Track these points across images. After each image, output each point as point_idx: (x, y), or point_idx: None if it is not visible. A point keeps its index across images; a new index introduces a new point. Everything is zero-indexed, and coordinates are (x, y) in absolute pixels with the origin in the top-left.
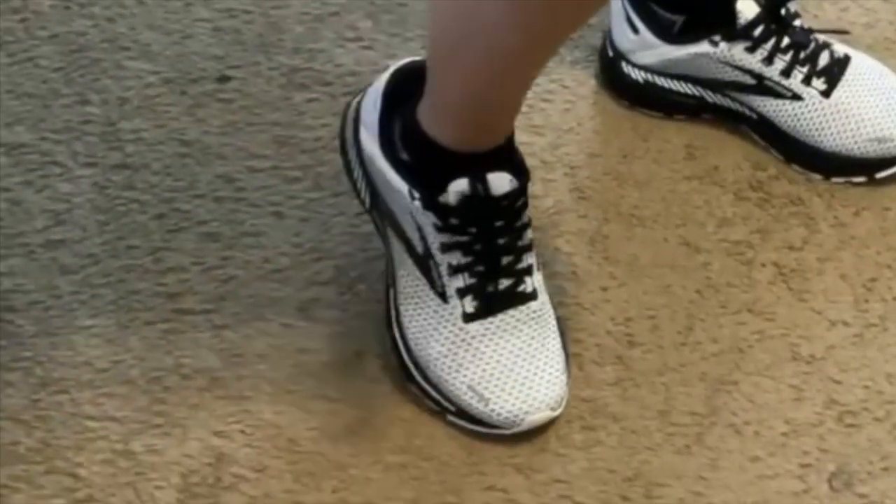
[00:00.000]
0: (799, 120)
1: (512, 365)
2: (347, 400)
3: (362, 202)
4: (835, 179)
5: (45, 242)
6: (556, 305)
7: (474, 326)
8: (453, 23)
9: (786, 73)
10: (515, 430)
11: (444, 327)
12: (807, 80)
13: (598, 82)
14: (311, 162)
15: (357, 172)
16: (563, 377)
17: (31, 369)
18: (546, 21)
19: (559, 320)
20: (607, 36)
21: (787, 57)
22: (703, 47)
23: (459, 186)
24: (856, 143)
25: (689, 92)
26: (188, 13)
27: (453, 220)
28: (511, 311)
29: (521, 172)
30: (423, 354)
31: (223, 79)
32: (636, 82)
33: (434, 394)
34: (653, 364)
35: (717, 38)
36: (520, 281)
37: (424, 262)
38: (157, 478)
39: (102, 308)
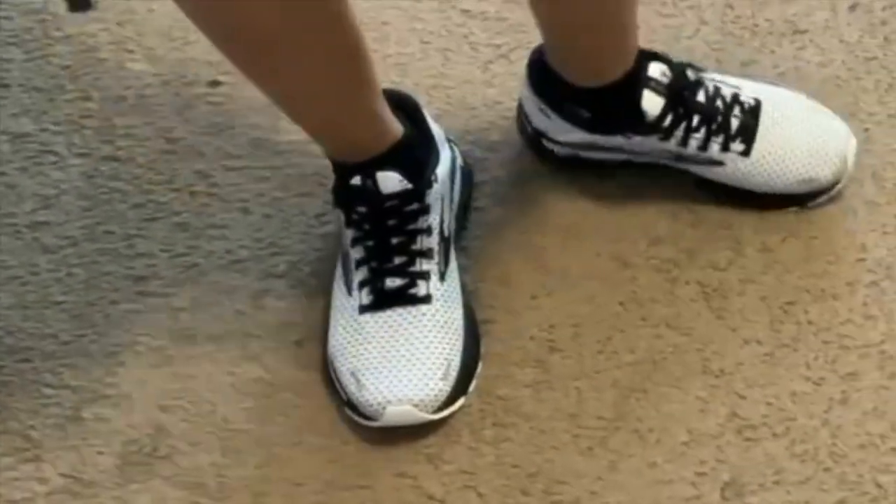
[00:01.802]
0: (726, 178)
1: (390, 357)
2: (282, 385)
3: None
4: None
5: (31, 223)
6: (486, 308)
7: (365, 318)
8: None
9: (703, 147)
10: (380, 422)
11: (344, 317)
12: (724, 147)
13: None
14: (281, 163)
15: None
16: (440, 383)
17: (1, 338)
18: None
19: (475, 322)
20: (522, 112)
21: (700, 134)
22: (618, 140)
23: (353, 181)
24: (784, 185)
25: (615, 159)
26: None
27: (354, 216)
28: (400, 309)
29: (420, 178)
30: (331, 342)
31: (214, 83)
32: (559, 156)
33: (335, 380)
34: (570, 369)
35: (629, 133)
36: (412, 283)
37: (345, 257)
38: (100, 444)
39: (74, 286)
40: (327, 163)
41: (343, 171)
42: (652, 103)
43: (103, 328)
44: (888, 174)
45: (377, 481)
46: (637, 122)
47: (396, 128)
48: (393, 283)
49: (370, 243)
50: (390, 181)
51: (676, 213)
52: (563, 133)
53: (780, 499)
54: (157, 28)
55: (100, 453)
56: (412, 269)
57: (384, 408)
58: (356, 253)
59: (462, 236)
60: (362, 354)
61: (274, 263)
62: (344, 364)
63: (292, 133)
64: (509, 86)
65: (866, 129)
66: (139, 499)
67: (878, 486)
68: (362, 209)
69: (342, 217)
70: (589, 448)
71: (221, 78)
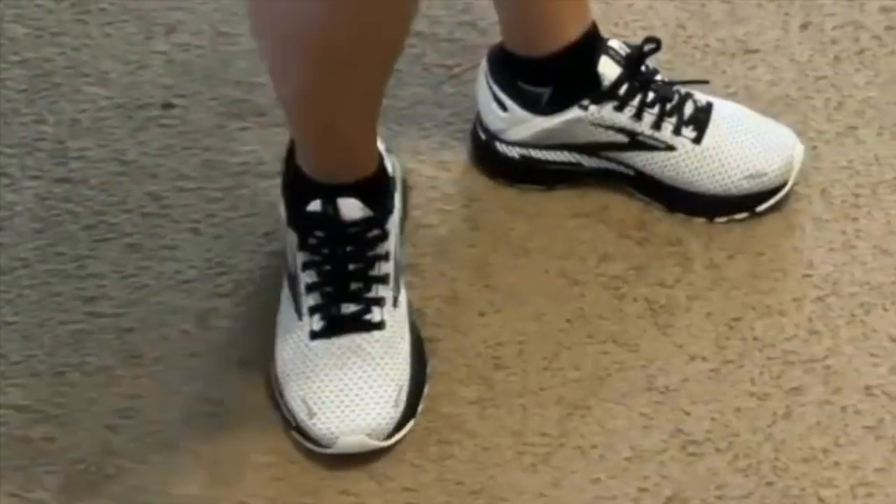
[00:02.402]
0: (675, 169)
1: (343, 386)
2: (228, 403)
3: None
4: (718, 220)
5: None
6: (433, 326)
7: (317, 344)
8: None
9: (656, 125)
10: (332, 450)
11: (293, 341)
12: (677, 131)
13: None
14: (232, 184)
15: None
16: (391, 411)
17: None
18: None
19: (422, 344)
20: (477, 120)
21: (655, 110)
22: (574, 113)
23: (313, 206)
24: (732, 182)
25: (566, 160)
26: (147, 45)
27: (311, 240)
28: (353, 336)
29: (380, 205)
30: (278, 366)
31: (167, 106)
32: (512, 159)
33: (282, 405)
34: (514, 386)
35: (585, 102)
36: (367, 309)
37: (292, 280)
38: (47, 463)
39: (25, 307)
40: (276, 183)
41: (302, 193)
42: (609, 68)
43: (52, 348)
44: (836, 191)
45: (321, 499)
46: (594, 88)
47: (378, 155)
48: (347, 309)
49: (326, 268)
50: (352, 208)
51: (625, 231)
52: (518, 126)
53: None
54: (113, 52)
55: (47, 472)
56: (368, 294)
57: (337, 438)
58: (307, 277)
59: (410, 254)
60: (314, 382)
61: (220, 283)
62: (294, 390)
63: (243, 155)
64: (462, 106)
65: (815, 147)
66: None
67: (820, 499)
68: (320, 234)
69: (294, 240)
70: (532, 465)
71: (175, 100)
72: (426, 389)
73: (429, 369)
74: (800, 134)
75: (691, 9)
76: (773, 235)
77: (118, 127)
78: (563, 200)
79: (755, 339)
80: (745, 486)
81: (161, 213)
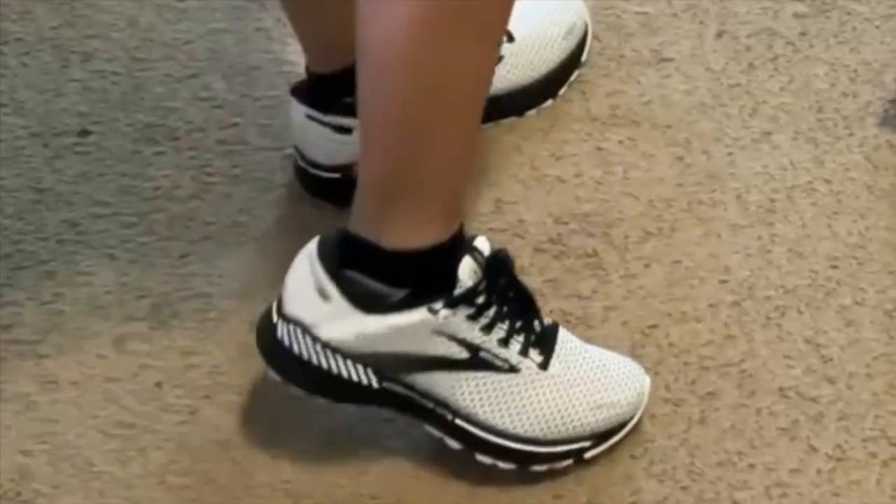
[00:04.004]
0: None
1: (599, 365)
2: (143, 426)
3: (366, 390)
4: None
5: None
6: None
7: (553, 367)
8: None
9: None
10: (640, 410)
11: (534, 389)
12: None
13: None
14: (148, 209)
15: (342, 368)
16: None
17: None
18: None
19: None
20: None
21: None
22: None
23: (466, 267)
24: (577, 414)
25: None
26: (63, 74)
27: (479, 300)
28: (559, 336)
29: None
30: (533, 430)
31: (84, 133)
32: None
33: (563, 450)
34: None
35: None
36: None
37: (476, 359)
38: None
39: None
40: (194, 205)
41: (438, 275)
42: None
43: None
44: (752, 197)
45: None
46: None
47: None
48: (537, 323)
49: (505, 309)
50: (485, 242)
51: (539, 244)
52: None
53: None
54: (29, 81)
55: None
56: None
57: (641, 391)
58: (497, 334)
59: None
60: (585, 387)
61: (137, 307)
62: (579, 412)
63: (158, 179)
64: None
65: (730, 154)
66: None
67: (735, 502)
68: (484, 285)
69: (457, 324)
70: (448, 477)
71: (91, 127)
72: None
73: None
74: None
75: (607, 20)
76: (690, 243)
77: (34, 155)
78: (479, 216)
79: (671, 345)
80: (660, 491)
81: (77, 240)
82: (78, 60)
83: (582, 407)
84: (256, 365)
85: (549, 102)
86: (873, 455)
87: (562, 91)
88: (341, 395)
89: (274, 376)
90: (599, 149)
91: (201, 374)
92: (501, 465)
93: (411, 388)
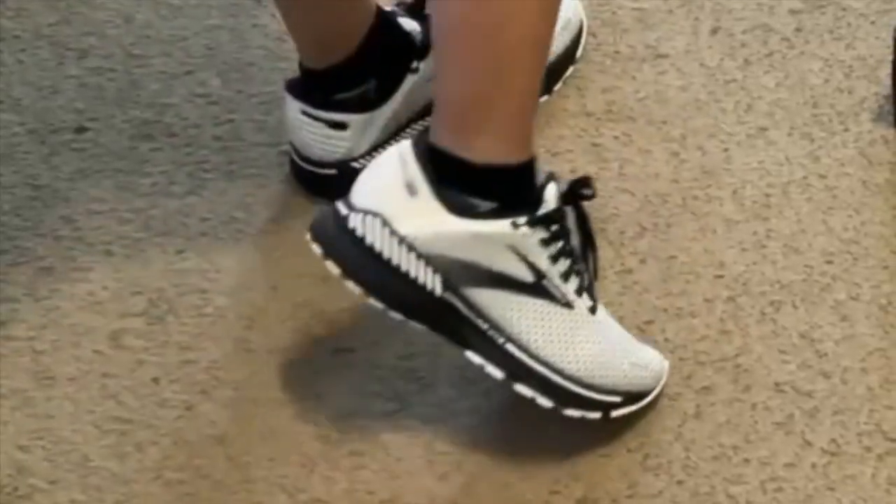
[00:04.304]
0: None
1: (628, 334)
2: (140, 421)
3: (426, 297)
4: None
5: None
6: (347, 338)
7: (599, 314)
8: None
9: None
10: (660, 386)
11: (583, 330)
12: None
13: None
14: (144, 205)
15: (412, 267)
16: None
17: None
18: None
19: None
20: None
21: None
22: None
23: (551, 191)
24: (617, 368)
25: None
26: (59, 70)
27: (554, 227)
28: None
29: None
30: (577, 369)
31: (80, 129)
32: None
33: (597, 399)
34: (427, 397)
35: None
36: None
37: (538, 286)
38: None
39: None
40: (190, 201)
41: (524, 192)
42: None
43: None
44: (747, 192)
45: None
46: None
47: None
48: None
49: (569, 246)
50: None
51: None
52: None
53: None
54: (25, 78)
55: None
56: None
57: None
58: (560, 266)
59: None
60: (623, 344)
61: (133, 303)
62: (616, 365)
63: (154, 176)
64: None
65: (726, 149)
66: None
67: (730, 496)
68: (562, 213)
69: (531, 245)
70: (444, 473)
71: (87, 124)
72: None
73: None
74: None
75: (602, 16)
76: (685, 239)
77: (30, 152)
78: None
79: (666, 340)
80: (656, 485)
81: (73, 237)
82: (74, 57)
83: (620, 360)
84: (253, 360)
85: (545, 98)
86: (868, 449)
87: (557, 87)
88: (398, 297)
89: (334, 269)
90: (595, 144)
91: (198, 370)
92: (540, 399)
93: (471, 304)
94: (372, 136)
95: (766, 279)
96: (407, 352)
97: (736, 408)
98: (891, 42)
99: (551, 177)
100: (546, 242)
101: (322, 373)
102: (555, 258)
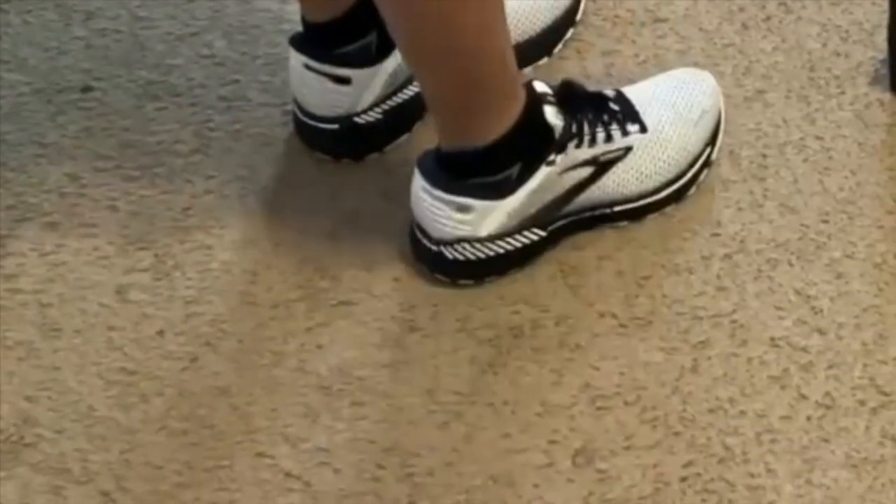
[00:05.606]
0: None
1: (676, 86)
2: (145, 372)
3: (539, 244)
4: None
5: None
6: (348, 291)
7: (649, 122)
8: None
9: (608, 138)
10: (721, 100)
11: (654, 147)
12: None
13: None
14: (150, 163)
15: (513, 243)
16: None
17: None
18: None
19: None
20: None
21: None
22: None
23: (549, 113)
24: (692, 130)
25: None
26: (66, 31)
27: (573, 129)
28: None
29: None
30: (671, 171)
31: (86, 89)
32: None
33: (698, 167)
34: (428, 348)
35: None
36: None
37: (601, 165)
38: None
39: None
40: (196, 159)
41: (534, 113)
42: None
43: None
44: (744, 153)
45: (236, 462)
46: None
47: None
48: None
49: (596, 112)
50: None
51: None
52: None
53: (630, 462)
54: (31, 39)
55: None
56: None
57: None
58: (601, 134)
59: (327, 225)
60: (686, 109)
61: (139, 258)
62: (700, 129)
63: (160, 134)
64: None
65: (724, 111)
66: (5, 485)
67: (726, 447)
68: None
69: (575, 139)
70: (444, 422)
71: (93, 84)
72: None
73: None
74: None
75: None
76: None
77: (37, 111)
78: None
79: (664, 296)
80: (653, 436)
81: (80, 193)
82: (80, 19)
83: (689, 130)
84: (257, 314)
85: (545, 60)
86: (862, 402)
87: (557, 48)
88: (515, 263)
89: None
90: None
91: (203, 323)
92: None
93: (571, 215)
94: (374, 91)
95: (763, 237)
96: (408, 304)
97: (732, 362)
98: (887, 7)
99: (541, 99)
100: (578, 142)
101: (324, 325)
102: (592, 140)
